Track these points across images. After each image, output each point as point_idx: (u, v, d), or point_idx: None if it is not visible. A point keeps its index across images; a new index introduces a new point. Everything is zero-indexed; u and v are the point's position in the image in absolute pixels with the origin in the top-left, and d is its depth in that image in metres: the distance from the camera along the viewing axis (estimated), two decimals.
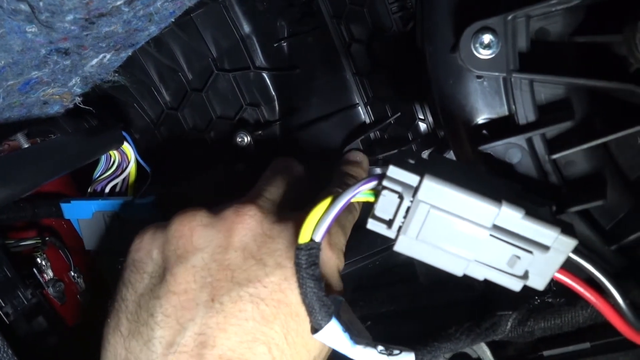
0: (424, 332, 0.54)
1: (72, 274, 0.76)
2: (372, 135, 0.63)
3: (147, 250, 0.45)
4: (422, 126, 0.62)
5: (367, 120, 0.64)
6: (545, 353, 0.55)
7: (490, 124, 0.41)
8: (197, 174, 0.61)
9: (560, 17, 0.40)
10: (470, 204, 0.35)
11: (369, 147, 0.64)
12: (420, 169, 0.36)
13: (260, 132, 0.61)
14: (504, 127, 0.41)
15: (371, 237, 0.66)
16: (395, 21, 0.61)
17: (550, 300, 0.50)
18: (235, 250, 0.43)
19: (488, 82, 0.41)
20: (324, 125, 0.64)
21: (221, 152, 0.63)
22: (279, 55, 0.62)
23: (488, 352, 0.54)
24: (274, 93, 0.61)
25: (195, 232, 0.44)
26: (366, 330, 0.46)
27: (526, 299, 0.51)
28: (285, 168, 0.54)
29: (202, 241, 0.43)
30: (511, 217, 0.35)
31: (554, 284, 0.56)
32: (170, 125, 0.66)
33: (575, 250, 0.38)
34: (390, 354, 0.43)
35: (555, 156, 0.41)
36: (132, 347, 0.42)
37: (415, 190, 0.35)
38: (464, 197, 0.35)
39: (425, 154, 0.62)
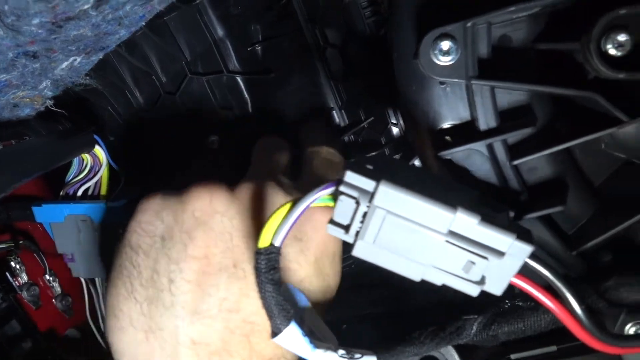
0: (399, 336, 0.54)
1: (48, 277, 0.76)
2: (346, 138, 0.64)
3: (155, 211, 0.43)
4: (395, 130, 0.62)
5: (342, 124, 0.64)
6: (513, 356, 0.55)
7: (453, 129, 0.41)
8: (168, 176, 0.61)
9: (522, 24, 0.40)
10: (425, 210, 0.35)
11: (343, 150, 0.64)
12: (377, 175, 0.36)
13: (232, 135, 0.61)
14: (466, 133, 0.41)
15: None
16: (369, 26, 0.61)
17: (520, 303, 0.50)
18: (255, 218, 0.42)
19: (451, 88, 0.41)
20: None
21: (194, 155, 0.62)
22: (253, 59, 0.62)
23: (456, 356, 0.54)
24: (247, 96, 0.61)
25: (215, 196, 0.43)
26: (333, 334, 0.46)
27: (497, 303, 0.51)
28: (278, 146, 0.54)
29: (221, 205, 0.43)
30: (466, 223, 0.35)
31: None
32: (144, 128, 0.66)
33: (532, 256, 0.38)
34: (351, 358, 0.43)
35: (516, 162, 0.41)
36: (152, 314, 0.41)
37: (372, 195, 0.36)
38: (420, 203, 0.35)
39: (396, 158, 0.62)
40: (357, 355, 0.44)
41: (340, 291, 0.77)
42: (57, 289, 0.77)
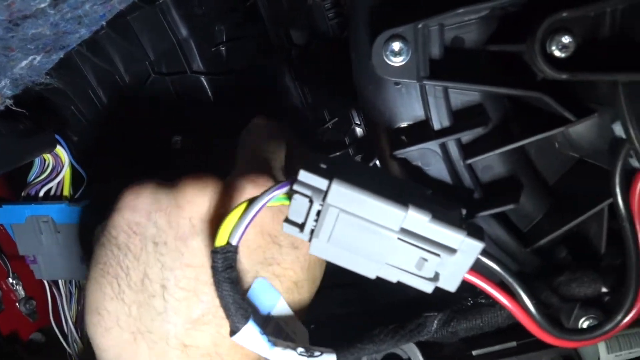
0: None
1: (11, 281, 0.74)
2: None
3: (146, 211, 0.41)
4: (359, 131, 0.63)
5: (307, 125, 0.65)
6: (474, 352, 0.56)
7: (409, 129, 0.42)
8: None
9: (474, 26, 0.41)
10: (377, 208, 0.35)
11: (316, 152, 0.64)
12: (330, 174, 0.36)
13: (196, 135, 0.61)
14: (420, 132, 0.41)
15: None
16: (332, 27, 0.62)
17: (483, 300, 0.51)
18: (254, 227, 0.41)
19: (405, 88, 0.41)
20: None
21: (158, 154, 0.62)
22: (217, 59, 0.62)
23: (418, 353, 0.55)
24: (211, 97, 0.61)
25: (212, 202, 0.41)
26: (306, 331, 0.47)
27: (459, 300, 0.52)
28: (274, 133, 0.48)
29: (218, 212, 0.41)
30: (418, 220, 0.36)
31: None
32: (108, 128, 0.65)
33: (485, 253, 0.39)
34: (310, 356, 0.44)
35: (469, 161, 0.42)
36: (142, 317, 0.40)
37: (325, 194, 0.36)
38: (371, 201, 0.35)
39: (351, 157, 0.63)
40: (317, 353, 0.44)
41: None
42: (21, 292, 0.76)
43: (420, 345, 0.56)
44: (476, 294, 0.51)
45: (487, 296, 0.52)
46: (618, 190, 0.38)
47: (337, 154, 0.62)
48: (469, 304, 0.51)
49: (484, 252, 0.39)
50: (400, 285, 0.55)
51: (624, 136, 0.36)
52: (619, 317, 0.39)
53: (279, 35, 0.64)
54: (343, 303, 0.77)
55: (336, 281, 0.76)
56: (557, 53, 0.35)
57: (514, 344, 0.55)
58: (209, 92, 0.62)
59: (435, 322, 0.49)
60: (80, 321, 0.68)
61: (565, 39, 0.35)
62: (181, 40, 0.60)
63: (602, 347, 0.53)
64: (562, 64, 0.35)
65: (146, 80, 0.62)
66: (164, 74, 0.61)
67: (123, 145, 0.65)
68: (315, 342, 0.46)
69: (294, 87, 0.64)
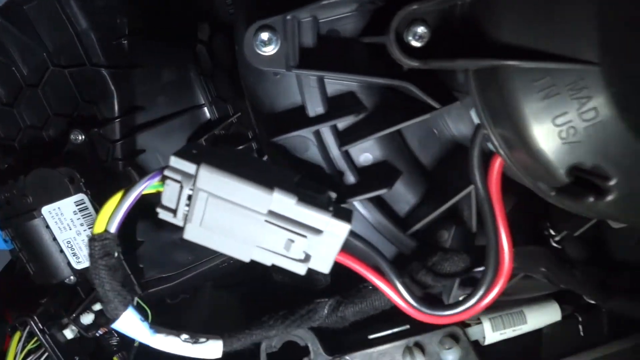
0: None
1: None
2: (216, 132, 0.64)
3: None
4: None
5: (213, 119, 0.65)
6: (370, 337, 0.58)
7: (286, 117, 0.43)
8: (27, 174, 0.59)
9: (350, 19, 0.43)
10: (244, 191, 0.37)
11: (214, 145, 0.65)
12: (200, 159, 0.37)
13: (97, 129, 0.60)
14: (297, 119, 0.43)
15: None
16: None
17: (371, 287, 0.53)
18: None
19: (283, 78, 0.43)
20: (170, 124, 0.64)
21: (58, 150, 0.61)
22: (119, 52, 0.61)
23: (316, 340, 0.56)
24: (113, 90, 0.61)
25: None
26: None
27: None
28: None
29: None
30: (284, 203, 0.37)
31: None
32: (5, 122, 0.63)
33: (355, 236, 0.41)
34: (195, 342, 0.44)
35: (345, 147, 0.43)
36: None
37: (195, 179, 0.37)
38: (239, 185, 0.36)
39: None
40: (202, 340, 0.45)
41: (211, 290, 0.78)
42: None
43: (320, 334, 0.57)
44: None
45: None
46: (476, 172, 0.40)
47: (240, 147, 0.63)
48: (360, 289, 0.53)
49: (354, 235, 0.41)
50: (291, 278, 0.57)
51: (478, 121, 0.39)
52: (481, 293, 0.41)
53: (183, 29, 0.64)
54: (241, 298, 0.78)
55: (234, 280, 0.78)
56: (413, 43, 0.37)
57: (407, 326, 0.57)
58: (111, 86, 0.61)
59: (326, 307, 0.51)
60: None
61: (420, 29, 0.37)
62: (80, 32, 0.59)
63: (487, 325, 0.56)
64: (418, 53, 0.37)
65: (45, 72, 0.60)
66: (63, 66, 0.60)
67: (20, 141, 0.64)
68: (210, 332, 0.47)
69: (199, 82, 0.64)
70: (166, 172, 0.37)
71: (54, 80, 0.61)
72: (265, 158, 0.59)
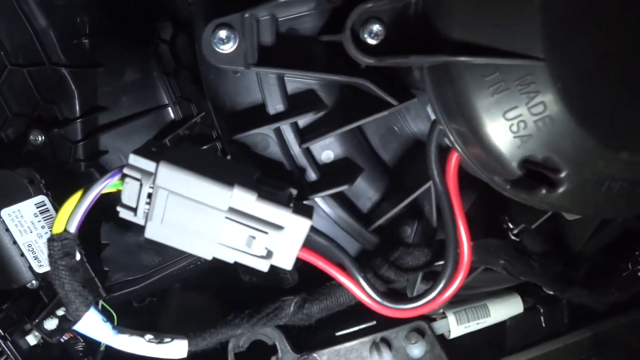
0: None
1: None
2: (180, 132, 0.64)
3: None
4: None
5: (177, 119, 0.65)
6: (338, 333, 0.58)
7: (247, 114, 0.44)
8: None
9: (308, 18, 0.43)
10: (204, 188, 0.37)
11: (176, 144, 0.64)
12: (159, 156, 0.37)
13: (57, 130, 0.59)
14: (257, 117, 0.43)
15: None
16: None
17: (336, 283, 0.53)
18: None
19: (243, 76, 0.43)
20: (134, 125, 0.64)
21: (17, 151, 0.60)
22: (80, 52, 0.60)
23: (283, 338, 0.57)
24: (74, 90, 0.60)
25: None
26: None
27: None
28: None
29: None
30: (244, 199, 0.37)
31: None
32: None
33: (315, 232, 0.41)
34: (160, 342, 0.44)
35: (306, 144, 0.44)
36: None
37: (154, 176, 0.37)
38: (198, 182, 0.36)
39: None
40: (167, 340, 0.45)
41: (180, 293, 0.78)
42: None
43: (287, 332, 0.57)
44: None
45: None
46: (434, 167, 0.41)
47: (204, 147, 0.63)
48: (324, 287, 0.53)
49: (315, 231, 0.41)
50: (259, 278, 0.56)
51: (434, 117, 0.40)
52: (441, 285, 0.42)
53: (146, 30, 0.63)
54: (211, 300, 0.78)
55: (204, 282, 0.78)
56: (369, 40, 0.38)
57: (374, 322, 0.58)
58: (72, 85, 0.60)
59: (292, 305, 0.51)
60: None
61: (376, 27, 0.38)
62: (39, 30, 0.58)
63: (451, 319, 0.57)
64: (373, 50, 0.38)
65: (2, 71, 0.59)
66: (22, 65, 0.59)
67: None
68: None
69: (163, 82, 0.64)
70: (125, 170, 0.37)
71: (13, 80, 0.60)
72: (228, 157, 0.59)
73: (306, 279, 0.69)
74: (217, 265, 0.72)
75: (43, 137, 0.59)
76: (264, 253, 0.39)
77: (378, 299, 0.42)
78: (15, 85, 0.60)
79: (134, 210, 0.38)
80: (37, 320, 0.61)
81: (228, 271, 0.75)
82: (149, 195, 0.37)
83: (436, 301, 0.43)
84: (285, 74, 0.42)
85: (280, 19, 0.42)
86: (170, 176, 0.36)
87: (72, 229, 0.40)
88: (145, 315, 0.75)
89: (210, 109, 0.65)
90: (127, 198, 0.38)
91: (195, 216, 0.37)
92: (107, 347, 0.65)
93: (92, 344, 0.70)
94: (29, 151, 0.59)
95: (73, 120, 0.60)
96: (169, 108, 0.65)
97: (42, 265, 0.59)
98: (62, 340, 0.64)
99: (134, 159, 0.37)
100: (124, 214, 0.39)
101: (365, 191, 0.47)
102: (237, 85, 0.43)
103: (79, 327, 0.41)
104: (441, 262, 0.47)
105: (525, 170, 0.37)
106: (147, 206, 0.38)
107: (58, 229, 0.40)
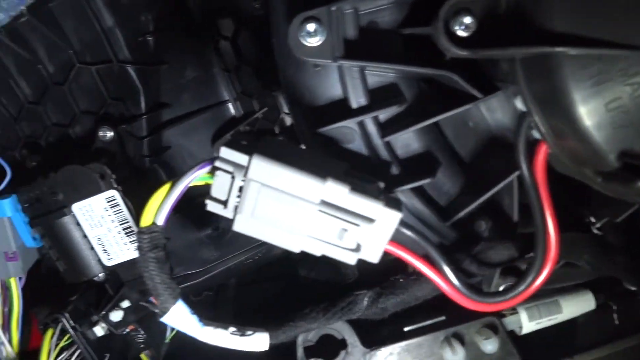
0: None
1: None
2: (241, 128, 0.64)
3: None
4: (288, 119, 0.64)
5: (237, 115, 0.65)
6: (406, 329, 0.58)
7: (328, 108, 0.44)
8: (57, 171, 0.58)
9: (388, 11, 0.43)
10: (297, 181, 0.37)
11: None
12: (251, 149, 0.37)
13: (124, 126, 0.60)
14: (339, 111, 0.43)
15: None
16: (259, 17, 0.63)
17: (413, 277, 0.53)
18: None
19: (324, 69, 0.43)
20: (195, 121, 0.64)
21: (85, 148, 0.61)
22: (145, 49, 0.61)
23: (353, 333, 0.56)
24: (139, 87, 0.61)
25: None
26: None
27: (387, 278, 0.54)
28: None
29: None
30: (337, 192, 0.37)
31: None
32: (31, 121, 0.63)
33: (406, 226, 0.41)
34: (243, 335, 0.44)
35: (387, 138, 0.44)
36: None
37: (246, 169, 0.37)
38: (291, 174, 0.37)
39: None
40: (249, 332, 0.45)
41: (235, 287, 0.78)
42: None
43: (359, 327, 0.57)
44: (408, 274, 0.53)
45: (413, 272, 0.55)
46: (522, 160, 0.40)
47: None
48: (400, 281, 0.53)
49: (404, 224, 0.41)
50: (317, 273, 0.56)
51: (524, 109, 0.39)
52: (530, 279, 0.42)
53: (207, 26, 0.64)
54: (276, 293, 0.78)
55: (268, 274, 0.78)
56: (459, 32, 0.38)
57: (443, 318, 0.57)
58: (137, 83, 0.61)
59: (366, 299, 0.51)
60: (6, 323, 0.65)
61: (467, 19, 0.37)
62: (106, 29, 0.59)
63: (523, 315, 0.56)
64: (464, 43, 0.37)
65: (71, 70, 0.60)
66: (89, 64, 0.60)
67: (46, 139, 0.64)
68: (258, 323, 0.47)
69: (223, 78, 0.64)
70: (217, 163, 0.37)
71: (81, 78, 0.61)
72: None
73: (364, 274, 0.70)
74: (273, 260, 0.73)
75: (112, 133, 0.59)
76: (354, 246, 0.39)
77: (466, 291, 0.42)
78: (83, 83, 0.61)
79: (224, 203, 0.38)
80: (103, 312, 0.62)
81: (283, 266, 0.76)
82: (240, 189, 0.38)
83: (523, 295, 0.42)
84: (368, 67, 0.42)
85: (361, 12, 0.42)
86: (263, 169, 0.36)
87: (160, 221, 0.41)
88: (202, 309, 0.75)
89: (275, 104, 0.66)
90: (217, 191, 0.38)
91: (286, 209, 0.38)
92: (171, 340, 0.66)
93: (153, 337, 0.71)
94: (97, 147, 0.60)
95: (139, 117, 0.61)
96: (229, 104, 0.65)
97: (111, 259, 0.60)
98: (124, 332, 0.65)
99: (226, 152, 0.37)
100: (212, 207, 0.39)
101: (442, 185, 0.47)
102: (317, 79, 0.43)
103: (166, 319, 0.42)
104: (529, 256, 0.47)
105: (622, 162, 0.36)
106: (237, 199, 0.38)
107: (146, 221, 0.41)
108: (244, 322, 0.47)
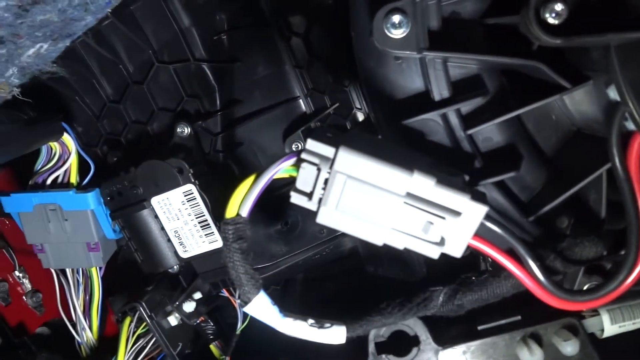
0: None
1: (17, 274, 0.75)
2: (312, 125, 0.65)
3: None
4: (360, 115, 0.64)
5: (308, 112, 0.66)
6: (480, 327, 0.57)
7: (410, 101, 0.43)
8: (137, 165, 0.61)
9: (470, 1, 0.42)
10: (384, 173, 0.37)
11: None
12: (337, 142, 0.37)
13: (200, 122, 0.62)
14: (421, 104, 0.43)
15: (317, 228, 0.68)
16: (331, 14, 0.63)
17: (486, 275, 0.52)
18: None
19: (405, 62, 0.43)
20: (267, 117, 0.65)
21: (163, 143, 0.63)
22: (219, 48, 0.63)
23: (426, 329, 0.56)
24: (214, 84, 0.62)
25: None
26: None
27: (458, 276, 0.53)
28: None
29: None
30: (423, 184, 0.37)
31: (490, 264, 0.58)
32: (112, 118, 0.66)
33: (491, 220, 0.40)
34: (321, 327, 0.45)
35: (470, 131, 0.43)
36: None
37: (332, 161, 0.37)
38: (378, 167, 0.37)
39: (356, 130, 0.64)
40: (327, 325, 0.45)
41: (301, 282, 0.79)
42: (27, 285, 0.76)
43: (428, 324, 0.57)
44: (481, 272, 0.52)
45: (491, 269, 0.53)
46: (615, 152, 0.39)
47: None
48: (472, 278, 0.52)
49: (489, 218, 0.40)
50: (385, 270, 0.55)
51: (618, 99, 0.38)
52: (621, 277, 0.40)
53: (278, 24, 0.65)
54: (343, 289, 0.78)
55: (335, 270, 0.78)
56: (550, 20, 0.36)
57: (518, 317, 0.56)
58: (212, 80, 0.62)
59: (441, 295, 0.50)
60: (87, 310, 0.68)
61: (558, 6, 0.36)
62: (184, 29, 0.61)
63: (605, 318, 0.54)
64: (556, 31, 0.36)
65: (150, 69, 0.62)
66: (167, 63, 0.62)
67: (125, 135, 0.66)
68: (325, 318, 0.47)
69: (295, 75, 0.65)
70: (303, 155, 0.38)
71: (159, 77, 0.63)
72: None
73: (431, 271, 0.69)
74: (341, 256, 0.74)
75: (189, 130, 0.61)
76: (438, 239, 0.38)
77: (552, 288, 0.41)
78: (161, 81, 0.63)
79: (309, 195, 0.39)
80: (177, 303, 0.64)
81: (350, 262, 0.76)
82: (325, 181, 0.38)
83: (613, 294, 0.40)
84: (451, 59, 0.41)
85: (443, 3, 0.42)
86: (349, 161, 0.37)
87: (245, 213, 0.41)
88: None
89: (348, 99, 0.66)
90: (302, 183, 0.39)
91: (372, 201, 0.37)
92: (242, 333, 0.67)
93: (223, 329, 0.73)
94: (175, 143, 0.62)
95: (214, 113, 0.63)
96: (300, 100, 0.66)
97: (187, 251, 0.61)
98: (195, 322, 0.67)
99: (312, 145, 0.38)
100: (296, 199, 0.39)
101: (524, 179, 0.46)
102: (399, 72, 0.43)
103: (248, 309, 0.42)
104: (606, 254, 0.45)
105: None
106: (322, 191, 0.38)
107: (231, 213, 0.42)
108: (312, 317, 0.48)
